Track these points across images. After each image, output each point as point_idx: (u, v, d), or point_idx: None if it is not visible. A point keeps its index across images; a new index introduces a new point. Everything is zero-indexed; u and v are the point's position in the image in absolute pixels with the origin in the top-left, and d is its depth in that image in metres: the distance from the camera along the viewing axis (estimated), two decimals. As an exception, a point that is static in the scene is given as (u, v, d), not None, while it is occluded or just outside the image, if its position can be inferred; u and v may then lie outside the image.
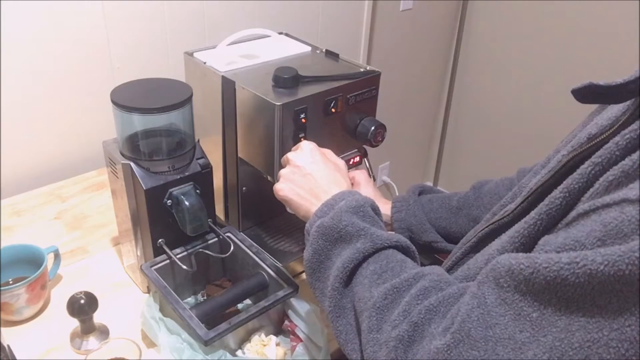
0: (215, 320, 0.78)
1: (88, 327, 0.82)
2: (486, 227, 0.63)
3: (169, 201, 0.83)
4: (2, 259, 0.86)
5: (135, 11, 1.23)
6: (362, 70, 0.91)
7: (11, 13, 1.06)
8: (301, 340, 0.82)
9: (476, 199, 0.86)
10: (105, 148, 0.84)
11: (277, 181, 0.74)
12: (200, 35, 1.36)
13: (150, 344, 0.82)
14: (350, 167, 0.93)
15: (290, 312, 0.84)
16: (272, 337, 0.83)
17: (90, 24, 1.17)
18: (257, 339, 0.83)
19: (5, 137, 1.15)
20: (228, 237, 0.91)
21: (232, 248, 0.88)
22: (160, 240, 0.86)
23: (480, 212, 0.84)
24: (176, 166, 0.83)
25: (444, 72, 2.33)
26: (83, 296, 0.79)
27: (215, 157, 0.93)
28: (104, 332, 0.84)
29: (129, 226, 0.85)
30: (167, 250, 0.85)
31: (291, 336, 0.83)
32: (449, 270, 0.68)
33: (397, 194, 2.00)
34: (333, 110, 0.86)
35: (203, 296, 0.93)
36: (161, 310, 0.81)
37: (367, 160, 0.97)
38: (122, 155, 0.82)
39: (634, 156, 0.41)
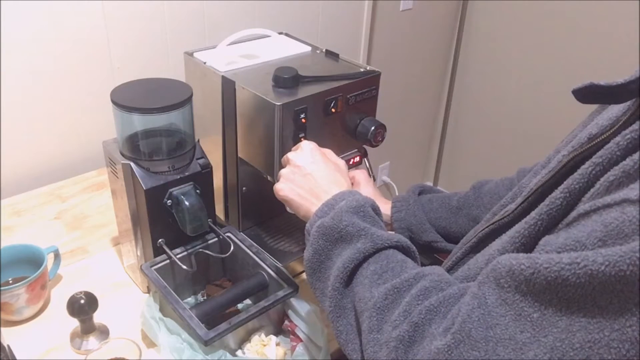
0: (215, 320, 0.78)
1: (88, 327, 0.82)
2: (486, 227, 0.63)
3: (169, 201, 0.83)
4: (2, 259, 0.86)
5: (135, 11, 1.23)
6: (362, 70, 0.91)
7: (11, 13, 1.06)
8: (301, 340, 0.82)
9: (476, 199, 0.86)
10: (105, 148, 0.84)
11: (277, 181, 0.73)
12: (200, 35, 1.36)
13: (150, 344, 0.82)
14: (350, 167, 0.93)
15: (290, 312, 0.84)
16: (272, 337, 0.83)
17: (90, 24, 1.17)
18: (257, 339, 0.83)
19: (5, 137, 1.15)
20: (228, 237, 0.91)
21: (232, 248, 0.88)
22: (160, 240, 0.85)
23: (480, 212, 0.84)
24: (176, 166, 0.83)
25: (444, 72, 2.33)
26: (83, 296, 0.79)
27: (215, 157, 0.93)
28: (104, 332, 0.84)
29: (129, 226, 0.85)
30: (167, 250, 0.85)
31: (291, 336, 0.83)
32: (449, 270, 0.68)
33: (397, 194, 2.00)
34: (333, 110, 0.86)
35: (203, 296, 0.93)
36: (161, 310, 0.81)
37: (367, 160, 0.97)
38: (122, 155, 0.82)
39: (635, 156, 0.41)
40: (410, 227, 0.87)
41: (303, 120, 0.83)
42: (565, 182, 0.49)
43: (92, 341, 0.82)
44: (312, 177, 0.70)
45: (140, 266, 0.85)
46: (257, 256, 0.89)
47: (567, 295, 0.39)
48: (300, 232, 1.03)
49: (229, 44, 0.95)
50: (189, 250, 0.88)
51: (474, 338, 0.44)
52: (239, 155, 0.92)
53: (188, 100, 0.81)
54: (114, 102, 0.78)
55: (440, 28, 2.16)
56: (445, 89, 2.36)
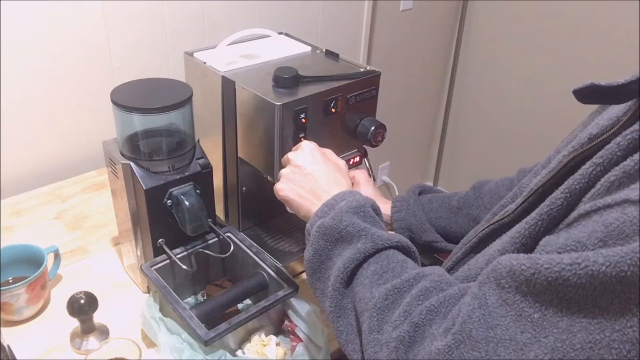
0: (215, 320, 0.78)
1: (88, 327, 0.82)
2: (487, 227, 0.63)
3: (169, 201, 0.83)
4: (2, 259, 0.86)
5: (135, 11, 1.23)
6: (362, 70, 0.91)
7: (11, 13, 1.06)
8: (301, 340, 0.82)
9: (476, 199, 0.86)
10: (105, 148, 0.84)
11: (278, 181, 0.73)
12: (200, 35, 1.36)
13: (150, 344, 0.82)
14: (350, 167, 0.93)
15: (290, 312, 0.84)
16: (272, 337, 0.83)
17: (90, 24, 1.17)
18: (257, 339, 0.83)
19: (5, 137, 1.15)
20: (228, 237, 0.91)
21: (232, 248, 0.88)
22: (160, 240, 0.85)
23: (480, 212, 0.84)
24: (176, 166, 0.83)
25: (444, 72, 2.33)
26: (83, 296, 0.79)
27: (215, 157, 0.93)
28: (104, 332, 0.84)
29: (129, 226, 0.85)
30: (167, 250, 0.85)
31: (291, 336, 0.83)
32: (450, 270, 0.68)
33: (397, 194, 2.00)
34: (333, 110, 0.86)
35: (203, 296, 0.93)
36: (161, 310, 0.81)
37: (367, 160, 0.97)
38: (122, 155, 0.82)
39: (636, 156, 0.41)
40: (410, 227, 0.87)
41: (303, 120, 0.83)
42: (565, 183, 0.49)
43: (92, 341, 0.82)
44: (312, 177, 0.70)
45: (140, 266, 0.85)
46: (257, 256, 0.89)
47: (567, 295, 0.39)
48: (300, 232, 1.03)
49: (229, 44, 0.95)
50: (189, 250, 0.88)
51: (474, 338, 0.44)
52: (239, 155, 0.92)
53: (188, 100, 0.81)
54: (114, 102, 0.78)
55: (440, 28, 2.16)
56: (445, 89, 2.36)
